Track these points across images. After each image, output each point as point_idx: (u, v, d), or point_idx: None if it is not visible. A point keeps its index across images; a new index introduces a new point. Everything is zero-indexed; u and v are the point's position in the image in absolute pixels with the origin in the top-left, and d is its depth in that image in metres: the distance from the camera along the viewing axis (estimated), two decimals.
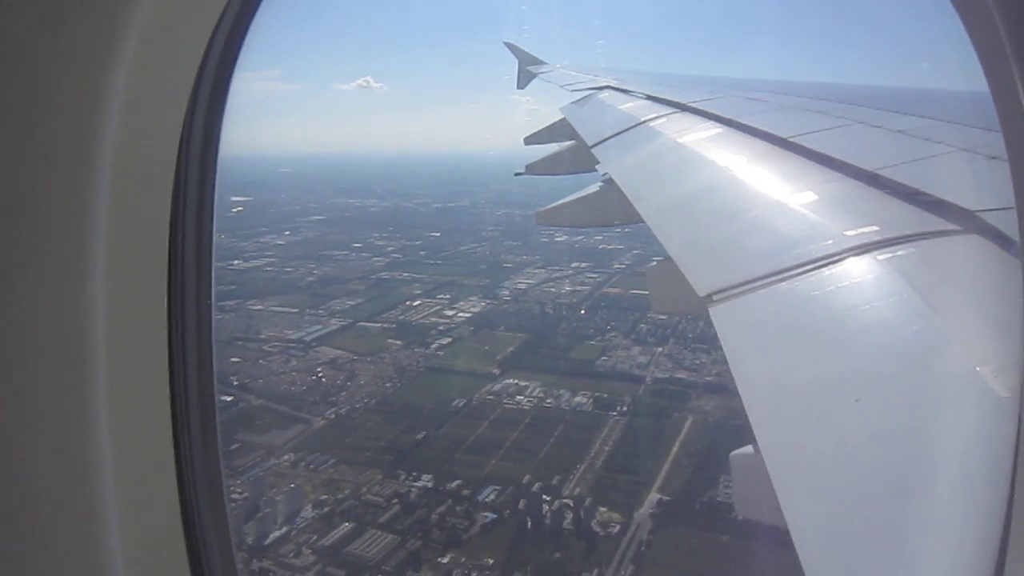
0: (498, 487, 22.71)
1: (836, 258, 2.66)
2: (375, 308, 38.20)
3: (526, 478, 22.95)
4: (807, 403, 2.17)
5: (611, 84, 9.99)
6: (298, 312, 37.48)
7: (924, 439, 1.88)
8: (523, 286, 41.12)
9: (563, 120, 9.70)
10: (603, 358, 30.98)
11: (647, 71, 16.29)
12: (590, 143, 7.06)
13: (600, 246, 45.52)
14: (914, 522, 1.67)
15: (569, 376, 29.80)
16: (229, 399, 27.20)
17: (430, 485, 23.20)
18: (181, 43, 1.42)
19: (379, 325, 36.10)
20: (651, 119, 6.69)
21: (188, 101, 1.47)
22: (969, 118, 3.77)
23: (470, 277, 43.33)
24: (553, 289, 40.47)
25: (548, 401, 28.10)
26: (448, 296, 39.69)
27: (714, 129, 5.61)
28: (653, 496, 21.82)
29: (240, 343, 33.25)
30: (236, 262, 42.75)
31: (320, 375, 30.75)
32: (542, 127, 11.64)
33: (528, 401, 28.18)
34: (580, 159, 7.99)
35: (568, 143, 9.47)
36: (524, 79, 16.05)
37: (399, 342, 33.94)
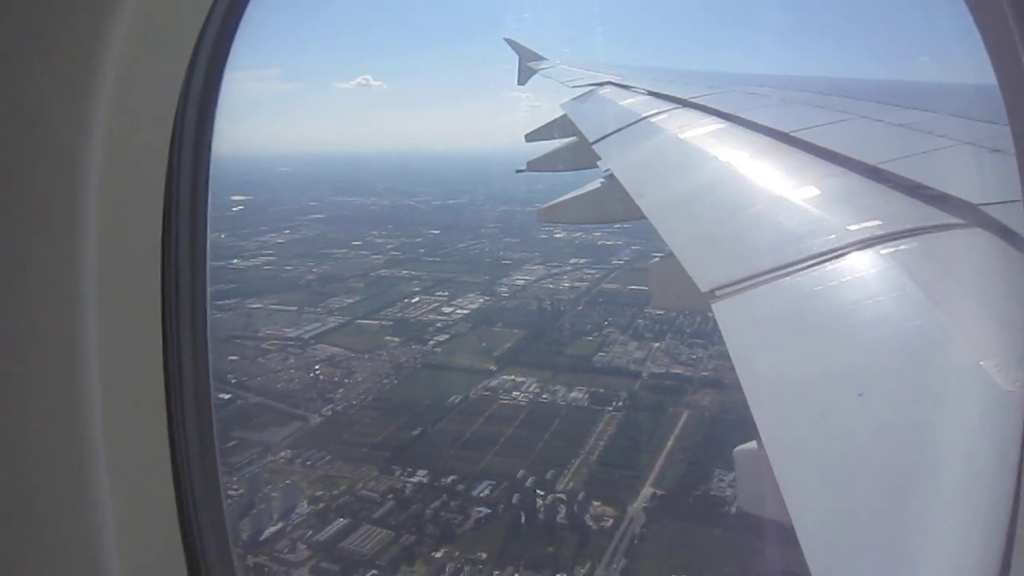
0: (493, 482, 22.80)
1: (839, 253, 2.65)
2: (374, 305, 38.27)
3: (520, 472, 23.03)
4: (811, 398, 2.16)
5: (612, 80, 9.92)
6: (297, 310, 37.54)
7: (928, 434, 1.87)
8: (521, 282, 41.18)
9: (564, 116, 9.64)
10: (600, 354, 31.07)
11: (648, 67, 16.27)
12: (591, 139, 7.01)
13: (599, 242, 45.62)
14: (919, 517, 1.66)
15: (566, 372, 29.90)
16: (227, 397, 27.18)
17: (425, 481, 23.28)
18: (170, 40, 1.40)
19: (377, 322, 36.15)
20: (652, 115, 6.66)
21: (179, 98, 1.46)
22: (972, 111, 3.76)
23: (469, 274, 43.39)
24: (551, 285, 40.54)
25: (544, 396, 28.20)
26: (446, 293, 39.76)
27: (716, 124, 5.59)
28: (647, 490, 21.94)
29: (238, 341, 33.27)
30: (235, 261, 42.75)
31: (318, 372, 30.79)
32: (543, 123, 11.67)
33: (524, 397, 28.29)
34: (581, 155, 7.95)
35: (569, 139, 9.43)
36: (524, 75, 15.97)
37: (397, 339, 33.99)
